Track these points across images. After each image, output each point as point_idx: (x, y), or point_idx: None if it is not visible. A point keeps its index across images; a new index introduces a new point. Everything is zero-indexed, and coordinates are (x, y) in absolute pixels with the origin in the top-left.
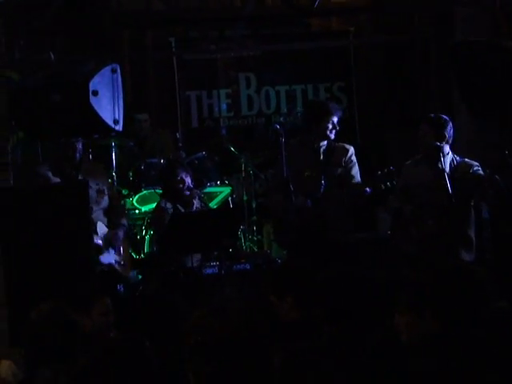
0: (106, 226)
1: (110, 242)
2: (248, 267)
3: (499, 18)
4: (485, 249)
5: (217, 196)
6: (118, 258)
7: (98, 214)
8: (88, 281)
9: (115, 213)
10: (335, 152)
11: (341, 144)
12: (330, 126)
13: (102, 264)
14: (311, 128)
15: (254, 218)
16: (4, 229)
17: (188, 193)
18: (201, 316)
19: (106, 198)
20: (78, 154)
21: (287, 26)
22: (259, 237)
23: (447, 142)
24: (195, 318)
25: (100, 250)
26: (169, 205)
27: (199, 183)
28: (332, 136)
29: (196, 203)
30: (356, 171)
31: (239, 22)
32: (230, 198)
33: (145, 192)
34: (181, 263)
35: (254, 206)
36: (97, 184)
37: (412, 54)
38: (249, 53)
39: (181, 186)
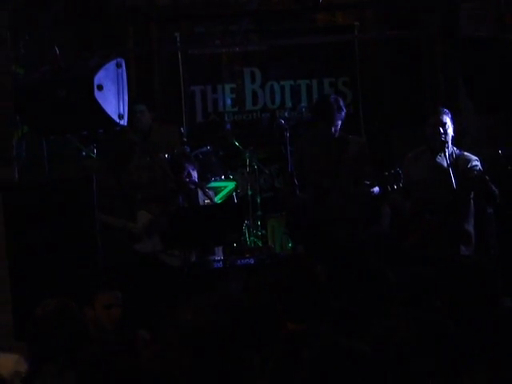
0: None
1: (152, 230)
2: (252, 262)
3: (504, 14)
4: (489, 245)
5: (221, 191)
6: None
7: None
8: (93, 274)
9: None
10: (348, 145)
11: (354, 137)
12: (333, 130)
13: (136, 252)
14: (318, 123)
15: (259, 212)
16: (9, 223)
17: (193, 187)
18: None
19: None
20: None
21: (292, 20)
22: (263, 232)
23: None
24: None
25: (137, 238)
26: None
27: (204, 178)
28: (336, 133)
29: (201, 198)
30: (367, 164)
31: (244, 17)
32: (234, 193)
33: None
34: (185, 258)
35: (258, 200)
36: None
37: (417, 48)
38: (254, 48)
39: (187, 179)
